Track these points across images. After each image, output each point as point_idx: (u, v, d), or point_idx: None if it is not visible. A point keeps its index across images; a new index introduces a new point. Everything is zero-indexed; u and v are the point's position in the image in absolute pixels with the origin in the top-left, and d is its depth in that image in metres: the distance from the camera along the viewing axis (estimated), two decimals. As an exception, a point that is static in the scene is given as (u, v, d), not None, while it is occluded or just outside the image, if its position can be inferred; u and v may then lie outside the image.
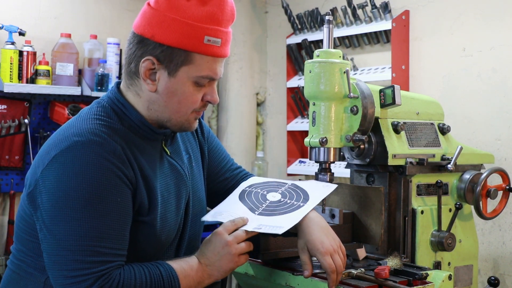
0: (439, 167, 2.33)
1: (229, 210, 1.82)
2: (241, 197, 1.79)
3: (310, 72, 2.12)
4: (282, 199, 1.82)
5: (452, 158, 2.32)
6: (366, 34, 3.80)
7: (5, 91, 3.61)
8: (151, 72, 1.75)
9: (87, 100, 3.92)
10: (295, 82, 4.20)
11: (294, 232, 1.90)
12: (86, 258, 1.61)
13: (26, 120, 3.79)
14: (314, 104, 2.13)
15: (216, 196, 2.07)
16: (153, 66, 1.74)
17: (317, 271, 1.90)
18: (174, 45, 1.71)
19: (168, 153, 1.88)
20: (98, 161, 1.64)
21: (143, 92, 1.78)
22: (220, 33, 1.74)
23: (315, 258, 1.85)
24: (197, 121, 1.86)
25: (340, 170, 3.44)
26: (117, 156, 1.67)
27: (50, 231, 1.65)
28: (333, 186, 1.93)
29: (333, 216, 2.19)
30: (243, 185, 1.98)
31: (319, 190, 1.90)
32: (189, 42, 1.71)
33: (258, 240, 2.02)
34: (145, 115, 1.80)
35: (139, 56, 1.75)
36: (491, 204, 2.52)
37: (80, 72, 3.91)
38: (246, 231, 1.79)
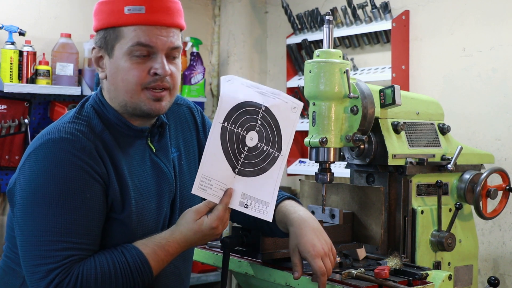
0: (439, 167, 2.33)
1: (214, 174, 1.76)
2: (223, 138, 1.75)
3: (310, 72, 2.12)
4: (259, 144, 1.81)
5: (452, 158, 2.32)
6: (366, 34, 3.80)
7: (5, 91, 3.61)
8: (100, 61, 1.83)
9: (87, 100, 3.92)
10: (295, 82, 4.20)
11: (287, 232, 1.90)
12: (49, 253, 1.63)
13: (26, 120, 3.79)
14: (314, 104, 2.13)
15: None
16: (99, 53, 1.83)
17: (308, 272, 1.90)
18: (105, 26, 1.79)
19: (154, 150, 1.88)
20: (66, 158, 1.68)
21: (104, 85, 1.84)
22: (141, 1, 1.76)
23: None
24: (164, 103, 1.81)
25: (340, 170, 3.44)
26: (87, 152, 1.70)
27: (20, 227, 1.68)
28: (300, 106, 1.88)
29: (333, 216, 2.19)
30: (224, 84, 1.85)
31: (287, 118, 1.86)
32: (113, 18, 1.78)
33: (258, 240, 2.02)
34: (116, 109, 1.82)
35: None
36: (491, 204, 2.52)
37: (80, 72, 3.91)
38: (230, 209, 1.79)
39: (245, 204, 1.80)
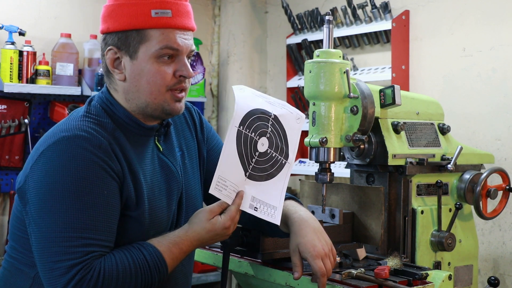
0: (439, 167, 2.33)
1: (229, 176, 1.81)
2: (238, 141, 1.80)
3: (310, 72, 2.12)
4: (268, 150, 1.87)
5: (452, 158, 2.32)
6: (366, 34, 3.80)
7: (5, 91, 3.61)
8: (116, 62, 1.80)
9: (87, 100, 3.92)
10: (295, 82, 4.20)
11: (287, 232, 1.91)
12: (69, 249, 1.62)
13: (26, 120, 3.79)
14: (314, 104, 2.13)
15: (216, 198, 2.06)
16: (116, 55, 1.79)
17: (308, 272, 1.90)
18: (126, 28, 1.77)
19: (161, 149, 1.90)
20: (83, 155, 1.67)
21: (118, 86, 1.83)
22: (167, 4, 1.77)
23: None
24: (182, 104, 1.85)
25: (340, 170, 3.44)
26: (103, 150, 1.70)
27: (36, 224, 1.67)
28: (303, 117, 1.97)
29: (333, 216, 2.19)
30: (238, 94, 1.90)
31: (293, 128, 1.95)
32: (138, 20, 1.76)
33: (258, 240, 2.02)
34: (129, 110, 1.83)
35: (104, 51, 1.82)
36: (491, 204, 2.52)
37: (80, 72, 3.91)
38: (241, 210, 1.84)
39: (255, 207, 1.84)
